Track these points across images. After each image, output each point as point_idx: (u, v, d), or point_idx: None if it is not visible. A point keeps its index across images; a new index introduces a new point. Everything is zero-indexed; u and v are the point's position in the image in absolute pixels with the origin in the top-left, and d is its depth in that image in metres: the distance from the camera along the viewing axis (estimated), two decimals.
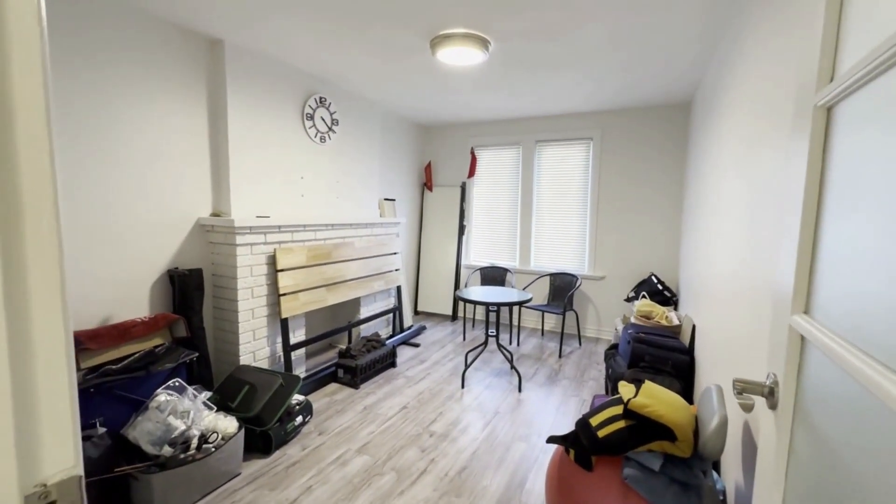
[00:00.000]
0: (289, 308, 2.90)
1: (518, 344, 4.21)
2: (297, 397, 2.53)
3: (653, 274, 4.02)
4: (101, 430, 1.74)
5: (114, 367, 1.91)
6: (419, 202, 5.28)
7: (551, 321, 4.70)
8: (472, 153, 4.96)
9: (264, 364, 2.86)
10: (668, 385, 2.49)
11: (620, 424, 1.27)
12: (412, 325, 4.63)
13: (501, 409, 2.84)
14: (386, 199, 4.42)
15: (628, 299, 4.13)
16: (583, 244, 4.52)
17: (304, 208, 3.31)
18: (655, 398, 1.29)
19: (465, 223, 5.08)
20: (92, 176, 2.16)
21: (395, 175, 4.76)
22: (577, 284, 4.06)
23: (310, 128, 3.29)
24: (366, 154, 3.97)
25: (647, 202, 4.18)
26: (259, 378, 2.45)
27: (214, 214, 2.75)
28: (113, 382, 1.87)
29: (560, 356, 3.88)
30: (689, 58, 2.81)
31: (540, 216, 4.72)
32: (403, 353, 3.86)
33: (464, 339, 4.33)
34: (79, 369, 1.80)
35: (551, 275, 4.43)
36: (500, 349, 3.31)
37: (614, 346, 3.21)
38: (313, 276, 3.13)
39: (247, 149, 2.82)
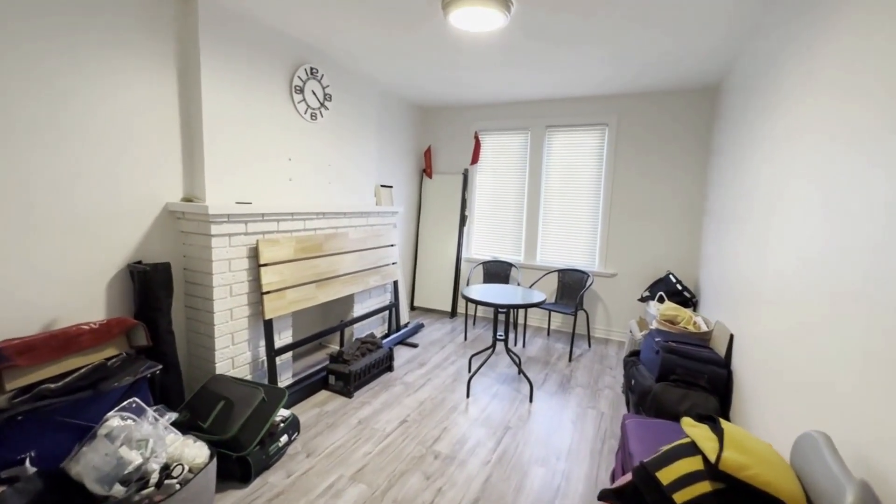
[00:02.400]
0: (274, 308, 2.55)
1: (524, 345, 3.92)
2: (281, 412, 2.20)
3: (670, 272, 3.73)
4: (31, 469, 1.39)
5: (53, 386, 1.55)
6: (417, 190, 4.91)
7: (558, 320, 4.41)
8: (476, 138, 4.59)
9: (244, 371, 2.52)
10: (704, 403, 2.21)
11: (706, 488, 0.97)
12: (409, 323, 4.31)
13: (512, 423, 2.55)
14: (383, 186, 4.05)
15: (643, 299, 3.85)
16: (594, 239, 4.22)
17: (292, 194, 2.94)
18: (754, 455, 0.99)
19: (466, 213, 4.73)
20: (34, 154, 1.76)
21: (393, 160, 4.38)
22: (589, 283, 3.76)
23: (299, 102, 2.89)
24: (362, 135, 3.59)
25: (665, 195, 3.88)
26: (237, 391, 2.10)
27: (186, 200, 2.37)
28: (51, 406, 1.51)
29: (570, 360, 3.59)
30: (722, 32, 2.48)
31: (548, 207, 4.39)
32: (401, 355, 3.54)
33: (465, 338, 4.02)
34: (2, 392, 1.43)
35: (560, 271, 4.13)
36: (508, 354, 3.01)
37: (635, 354, 2.92)
38: (302, 271, 2.78)
39: (225, 124, 2.43)
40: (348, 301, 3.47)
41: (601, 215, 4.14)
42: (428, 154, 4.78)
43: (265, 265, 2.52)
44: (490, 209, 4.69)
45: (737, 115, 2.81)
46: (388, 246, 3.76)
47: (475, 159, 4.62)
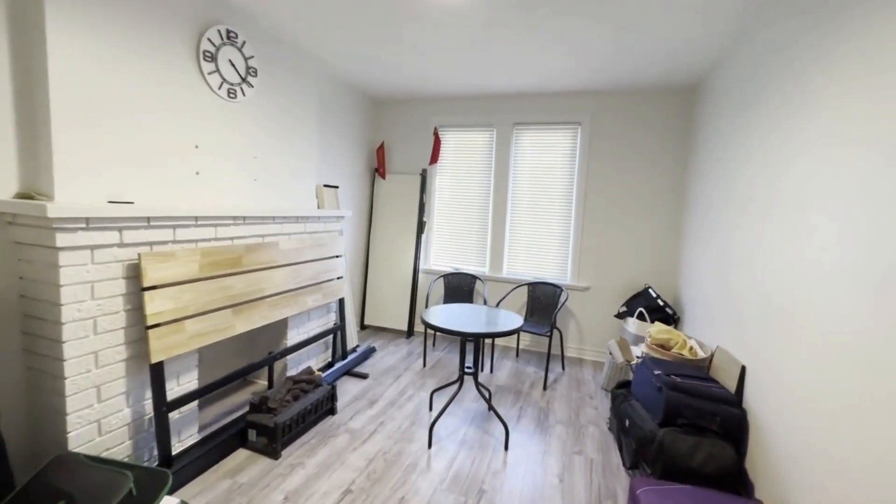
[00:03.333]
0: (165, 346, 1.86)
1: (491, 370, 3.43)
2: (166, 501, 1.53)
3: (649, 286, 3.41)
4: None
5: None
6: (369, 191, 4.31)
7: (528, 338, 3.98)
8: (436, 134, 4.08)
9: (119, 439, 1.80)
10: (721, 453, 1.81)
11: None
12: (357, 347, 3.69)
13: (487, 483, 2.02)
14: (327, 186, 3.42)
15: (620, 315, 3.50)
16: (565, 249, 3.83)
17: (200, 193, 2.25)
18: None
19: (425, 219, 4.20)
20: None
21: (340, 156, 3.76)
22: (564, 299, 3.35)
23: (210, 73, 2.23)
24: (300, 123, 2.95)
25: (642, 202, 3.57)
26: (89, 481, 1.41)
27: (24, 196, 1.64)
28: None
29: (545, 387, 3.14)
30: (700, 30, 2.15)
31: (516, 214, 3.96)
32: (347, 389, 2.92)
33: (424, 363, 3.46)
34: None
35: (529, 285, 3.69)
36: (478, 389, 2.50)
37: (624, 385, 2.52)
38: (210, 294, 2.10)
39: (90, 92, 1.73)
40: (281, 327, 2.81)
41: (574, 223, 3.76)
42: (381, 151, 4.20)
43: (152, 288, 1.82)
44: (451, 215, 4.18)
45: (732, 116, 2.50)
46: (332, 257, 3.14)
47: (434, 158, 4.11)
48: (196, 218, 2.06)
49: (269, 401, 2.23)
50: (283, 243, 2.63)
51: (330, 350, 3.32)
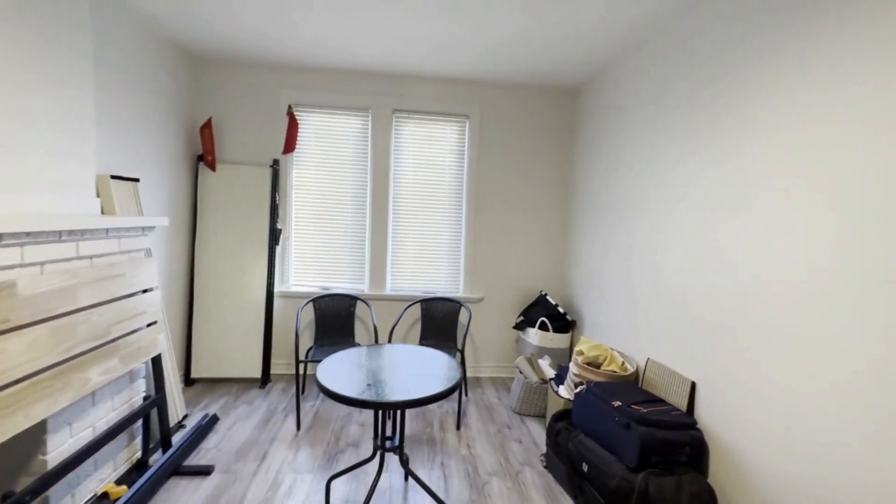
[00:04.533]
0: None
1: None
2: None
3: (545, 293, 3.28)
4: None
5: None
6: (189, 187, 3.02)
7: None
8: (291, 115, 3.10)
9: None
10: (699, 489, 1.62)
11: None
12: (185, 420, 2.49)
13: None
14: (118, 179, 2.13)
15: (518, 326, 3.27)
16: (456, 257, 3.41)
17: None
18: None
19: (280, 226, 3.17)
20: None
21: (139, 133, 2.45)
22: (468, 317, 2.90)
23: None
24: (60, 66, 1.67)
25: (533, 206, 3.42)
26: None
27: None
28: None
29: (458, 427, 2.64)
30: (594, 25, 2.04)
31: (399, 218, 3.33)
32: (181, 503, 1.81)
33: (298, 427, 2.53)
34: None
35: (423, 301, 3.13)
36: (407, 471, 1.81)
37: (563, 416, 2.21)
38: None
39: None
40: (32, 434, 1.53)
41: (464, 228, 3.37)
42: (207, 131, 2.97)
43: None
44: (316, 220, 3.27)
45: (633, 122, 2.45)
46: (135, 294, 1.93)
47: (290, 146, 3.12)
48: None
49: None
50: (25, 283, 1.39)
51: (140, 439, 2.08)
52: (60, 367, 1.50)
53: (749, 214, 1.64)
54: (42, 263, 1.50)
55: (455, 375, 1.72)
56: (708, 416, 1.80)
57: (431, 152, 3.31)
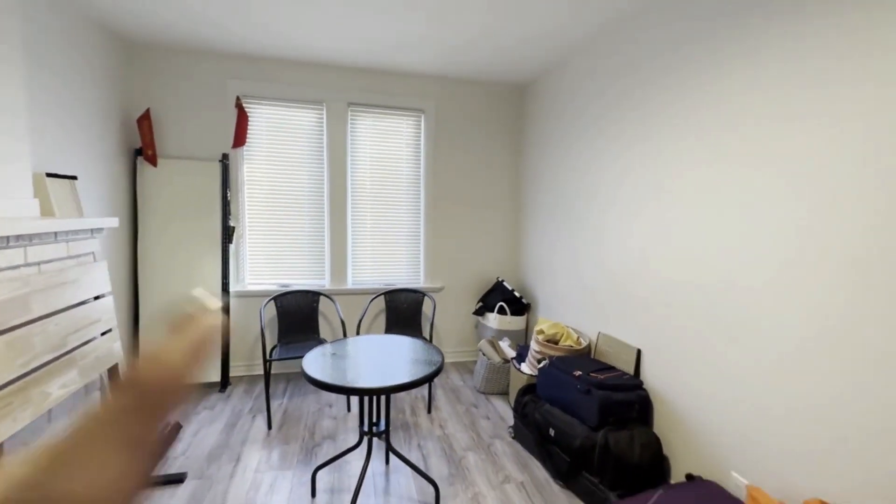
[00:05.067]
0: None
1: (348, 406, 2.79)
2: None
3: (502, 280, 3.49)
4: None
5: None
6: (128, 184, 2.80)
7: None
8: (240, 107, 2.97)
9: None
10: (649, 440, 1.90)
11: None
12: None
13: None
14: (55, 177, 1.94)
15: (478, 311, 3.45)
16: (416, 249, 3.50)
17: None
18: None
19: (233, 223, 3.05)
20: None
21: (73, 127, 2.23)
22: (433, 306, 3.01)
23: None
24: None
25: (487, 197, 3.59)
26: None
27: None
28: None
29: (430, 410, 2.77)
30: (547, 25, 2.27)
31: (358, 212, 3.34)
32: None
33: (269, 426, 2.50)
34: None
35: (386, 293, 3.19)
36: (391, 451, 1.90)
37: (529, 390, 2.42)
38: None
39: None
40: None
41: (423, 220, 3.46)
42: (146, 123, 2.75)
43: None
44: (272, 216, 3.18)
45: (577, 118, 2.69)
46: (88, 301, 1.81)
47: (240, 140, 3.00)
48: None
49: None
50: None
51: None
52: (19, 382, 1.39)
53: (671, 206, 1.92)
54: None
55: (437, 359, 1.83)
56: (652, 378, 2.10)
57: (388, 146, 3.35)
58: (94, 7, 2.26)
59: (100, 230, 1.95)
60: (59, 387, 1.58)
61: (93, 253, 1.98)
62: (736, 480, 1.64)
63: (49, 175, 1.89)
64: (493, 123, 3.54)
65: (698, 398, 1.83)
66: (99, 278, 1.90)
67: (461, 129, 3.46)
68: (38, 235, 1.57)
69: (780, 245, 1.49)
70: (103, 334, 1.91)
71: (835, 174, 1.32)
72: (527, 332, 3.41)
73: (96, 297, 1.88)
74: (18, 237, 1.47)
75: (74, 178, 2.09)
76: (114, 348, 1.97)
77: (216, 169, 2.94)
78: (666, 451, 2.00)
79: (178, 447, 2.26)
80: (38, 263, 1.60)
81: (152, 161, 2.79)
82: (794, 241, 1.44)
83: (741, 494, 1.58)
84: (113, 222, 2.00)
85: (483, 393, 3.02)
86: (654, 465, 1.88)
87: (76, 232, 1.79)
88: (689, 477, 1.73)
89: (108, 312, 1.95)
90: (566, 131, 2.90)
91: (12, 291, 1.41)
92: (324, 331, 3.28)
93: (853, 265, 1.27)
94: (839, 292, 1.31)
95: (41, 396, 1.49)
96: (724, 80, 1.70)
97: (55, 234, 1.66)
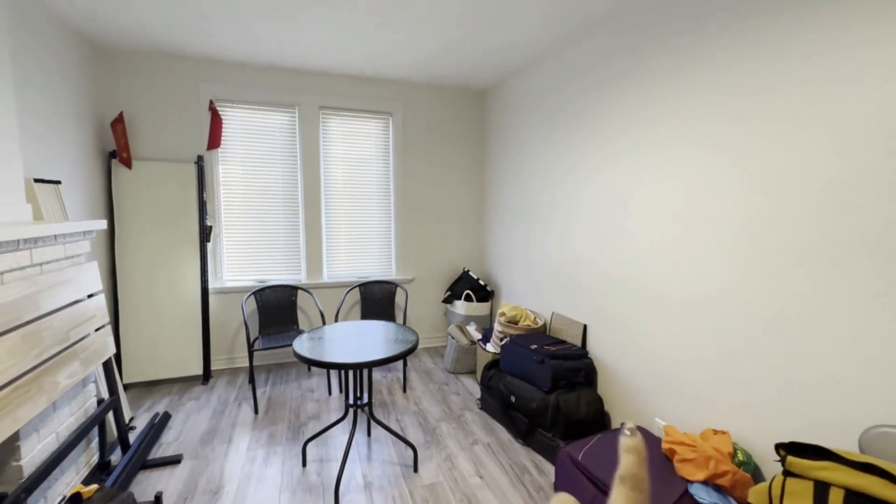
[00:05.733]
0: None
1: (340, 387, 3.01)
2: None
3: (468, 270, 3.79)
4: None
5: None
6: (103, 185, 2.86)
7: None
8: (213, 110, 3.08)
9: None
10: (593, 399, 2.26)
11: None
12: (132, 421, 2.50)
13: None
14: (41, 182, 2.04)
15: (447, 300, 3.75)
16: (387, 243, 3.74)
17: None
18: None
19: (209, 222, 3.16)
20: None
21: (52, 132, 2.30)
22: (406, 297, 3.27)
23: None
24: None
25: (453, 193, 3.87)
26: None
27: None
28: None
29: (405, 390, 3.03)
30: (510, 34, 2.58)
31: (331, 209, 3.53)
32: (154, 490, 1.92)
33: (255, 411, 2.69)
34: None
35: (360, 286, 3.42)
36: (373, 420, 2.15)
37: (493, 366, 2.73)
38: None
39: None
40: (4, 448, 1.54)
41: (393, 216, 3.70)
42: (120, 126, 2.82)
43: None
44: (247, 215, 3.32)
45: (529, 122, 3.01)
46: (83, 299, 1.93)
47: (214, 142, 3.11)
48: None
49: None
50: None
51: (96, 442, 2.09)
52: (34, 371, 1.54)
53: (603, 204, 2.28)
54: (2, 273, 1.50)
55: (412, 337, 2.10)
56: (596, 348, 2.46)
57: (359, 147, 3.55)
58: (63, 12, 2.33)
59: (90, 232, 2.07)
60: (66, 377, 1.73)
61: (84, 254, 2.10)
62: (658, 424, 2.02)
63: (39, 181, 1.99)
64: (458, 125, 3.81)
65: (630, 361, 2.20)
66: (91, 277, 2.03)
67: (428, 130, 3.72)
68: (42, 238, 1.69)
69: (677, 224, 1.86)
70: (97, 330, 2.04)
71: (727, 175, 1.70)
72: (491, 316, 3.73)
73: (89, 296, 2.01)
74: (27, 240, 1.60)
75: (59, 182, 2.18)
76: (108, 342, 2.10)
77: (192, 170, 3.04)
78: (607, 407, 2.38)
79: (170, 435, 2.41)
80: (41, 264, 1.72)
81: (127, 163, 2.87)
82: (687, 219, 1.82)
83: (660, 433, 1.96)
84: (101, 224, 2.11)
85: (453, 373, 3.32)
86: (596, 419, 2.24)
87: (71, 234, 1.91)
88: (622, 425, 2.09)
89: (101, 309, 2.08)
90: (519, 134, 3.22)
91: (23, 290, 1.54)
92: (302, 322, 3.46)
93: (734, 244, 1.65)
94: (724, 265, 1.69)
95: (52, 385, 1.63)
96: (670, 85, 2.05)
97: (55, 236, 1.78)
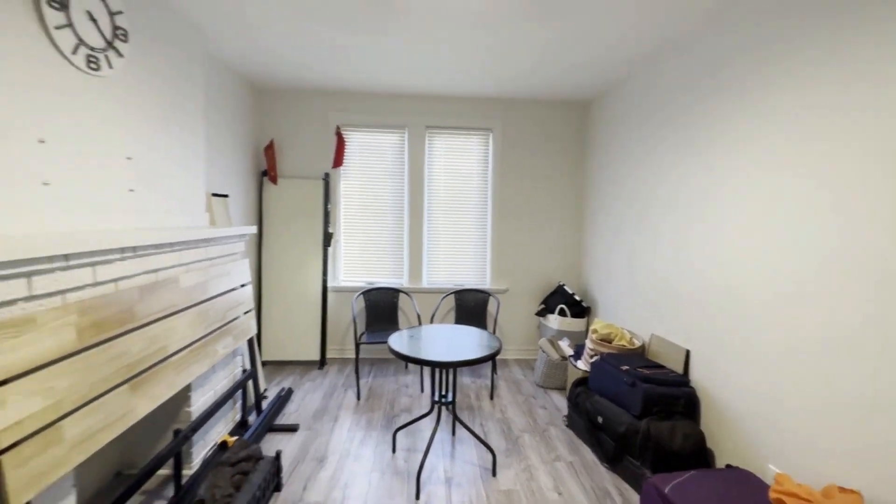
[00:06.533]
0: (31, 475, 1.11)
1: (422, 388, 3.22)
2: None
3: (563, 284, 3.72)
4: None
5: None
6: (256, 198, 3.55)
7: None
8: (339, 134, 3.60)
9: None
10: (692, 431, 2.06)
11: None
12: (266, 392, 3.01)
13: None
14: (216, 196, 2.65)
15: (540, 313, 3.72)
16: (483, 253, 3.88)
17: (53, 214, 1.44)
18: None
19: (331, 229, 3.68)
20: None
21: (226, 157, 2.98)
22: (496, 306, 3.36)
23: (59, 28, 1.43)
24: (184, 111, 2.19)
25: (550, 206, 3.86)
26: None
27: None
28: None
29: (492, 397, 3.11)
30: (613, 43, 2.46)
31: (433, 220, 3.81)
32: (280, 450, 2.32)
33: (358, 398, 3.03)
34: None
35: (456, 293, 3.61)
36: (458, 421, 2.29)
37: (581, 383, 2.66)
38: (98, 370, 1.36)
39: None
40: (181, 395, 2.05)
41: (490, 227, 3.83)
42: (270, 151, 3.49)
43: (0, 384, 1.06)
44: (362, 224, 3.77)
45: (635, 132, 2.87)
46: (238, 287, 2.45)
47: (339, 161, 3.63)
48: (67, 256, 1.29)
49: (207, 502, 1.59)
50: (183, 278, 1.90)
51: (239, 404, 2.60)
52: (202, 340, 2.02)
53: (721, 216, 2.06)
54: (187, 265, 2.01)
55: (496, 344, 2.19)
56: (700, 377, 2.23)
57: (460, 162, 3.78)
58: (240, 66, 2.99)
59: (245, 235, 2.62)
60: (222, 347, 2.21)
61: (241, 252, 2.65)
62: (770, 471, 1.76)
63: (215, 195, 2.59)
64: (557, 137, 3.80)
65: (743, 397, 1.95)
66: (244, 271, 2.56)
67: (526, 143, 3.78)
68: (214, 239, 2.22)
69: (812, 252, 1.61)
70: (245, 313, 2.56)
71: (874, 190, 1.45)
72: (586, 333, 3.59)
73: (242, 286, 2.53)
74: (205, 240, 2.12)
75: (226, 195, 2.80)
76: (252, 324, 2.61)
77: (320, 185, 3.59)
78: (710, 444, 2.13)
79: (291, 407, 2.87)
80: (210, 259, 2.25)
81: (273, 180, 3.52)
82: (825, 248, 1.57)
83: (770, 481, 1.70)
84: (253, 230, 2.66)
85: (542, 387, 3.29)
86: (695, 454, 2.03)
87: (232, 237, 2.45)
88: (728, 467, 1.87)
89: (249, 297, 2.60)
90: (624, 144, 3.08)
91: (200, 278, 2.04)
92: (402, 322, 3.78)
93: (878, 274, 1.39)
94: (865, 300, 1.43)
95: (213, 352, 2.11)
96: (770, 99, 1.84)
97: (221, 238, 2.31)
